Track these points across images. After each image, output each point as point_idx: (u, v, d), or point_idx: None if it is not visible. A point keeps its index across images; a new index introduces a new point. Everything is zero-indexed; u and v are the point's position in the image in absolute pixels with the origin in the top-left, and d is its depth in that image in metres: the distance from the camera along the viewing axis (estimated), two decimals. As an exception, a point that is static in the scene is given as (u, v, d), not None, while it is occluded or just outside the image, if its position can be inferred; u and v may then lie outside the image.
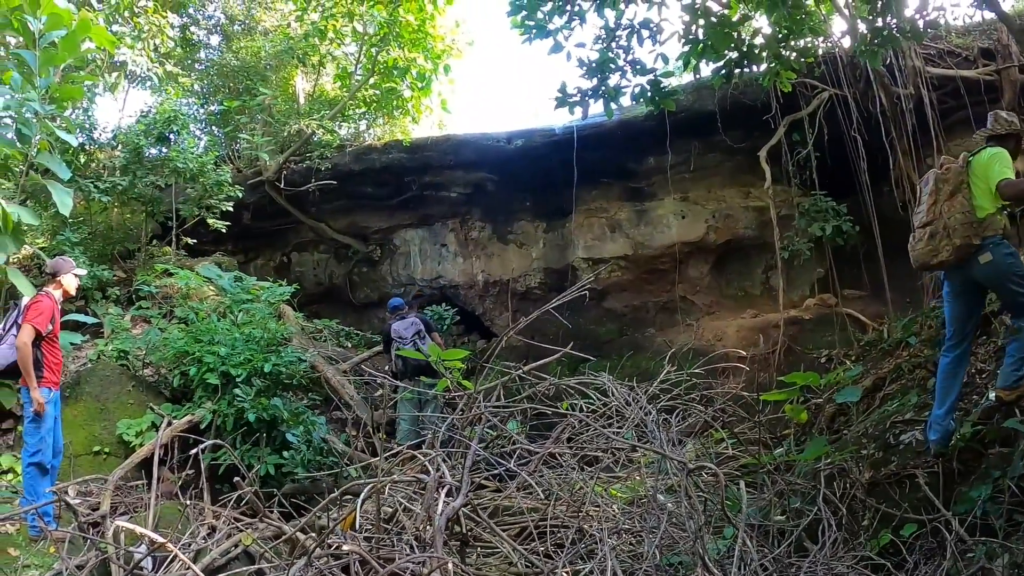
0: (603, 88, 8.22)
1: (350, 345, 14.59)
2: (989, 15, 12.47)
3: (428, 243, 16.41)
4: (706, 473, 5.63)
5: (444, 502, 4.18)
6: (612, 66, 8.18)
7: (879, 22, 7.74)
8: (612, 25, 8.15)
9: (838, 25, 12.98)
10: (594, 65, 8.05)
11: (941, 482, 4.87)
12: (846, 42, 12.90)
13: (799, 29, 8.05)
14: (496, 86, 40.60)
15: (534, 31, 8.16)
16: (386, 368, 11.69)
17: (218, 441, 7.10)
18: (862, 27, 8.30)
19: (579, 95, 8.19)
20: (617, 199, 14.84)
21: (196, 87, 18.49)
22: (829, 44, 13.05)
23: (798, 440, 7.55)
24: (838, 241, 12.03)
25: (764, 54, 8.20)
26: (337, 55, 17.05)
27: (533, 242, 15.54)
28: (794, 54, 8.44)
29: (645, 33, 8.08)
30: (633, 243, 14.60)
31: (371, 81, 16.00)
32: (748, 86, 13.16)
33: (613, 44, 8.21)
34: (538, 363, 6.34)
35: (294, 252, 17.27)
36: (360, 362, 12.98)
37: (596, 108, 8.53)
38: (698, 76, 8.61)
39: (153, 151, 14.36)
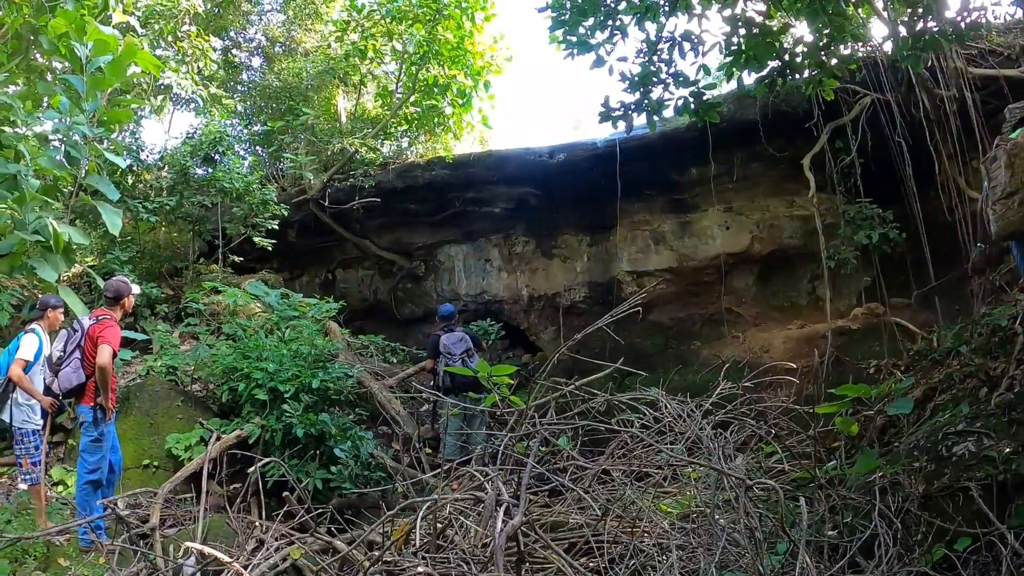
0: (646, 101, 8.25)
1: (395, 361, 14.71)
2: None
3: (472, 258, 16.54)
4: (759, 489, 5.60)
5: (503, 520, 4.21)
6: (655, 79, 8.19)
7: (920, 25, 7.71)
8: (653, 39, 8.17)
9: (877, 29, 12.93)
10: (636, 79, 8.08)
11: (995, 495, 4.82)
12: (887, 47, 12.80)
13: (840, 35, 8.02)
14: (536, 100, 40.80)
15: (576, 47, 8.22)
16: (430, 383, 11.77)
17: (272, 459, 7.19)
18: (902, 31, 8.23)
19: (622, 109, 8.22)
20: (660, 211, 14.84)
21: (239, 108, 18.82)
22: (869, 49, 12.96)
23: (848, 453, 7.48)
24: (885, 249, 11.87)
25: (806, 62, 8.18)
26: (377, 74, 17.38)
27: (577, 256, 15.58)
28: (836, 61, 8.39)
29: (686, 46, 8.09)
30: (677, 255, 14.60)
31: (412, 99, 16.21)
32: (790, 94, 13.07)
33: (655, 57, 8.23)
34: (589, 379, 6.37)
35: (339, 269, 17.48)
36: (406, 377, 13.09)
37: (639, 121, 8.54)
38: (741, 87, 8.58)
39: (199, 171, 14.62)
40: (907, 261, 12.22)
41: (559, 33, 8.30)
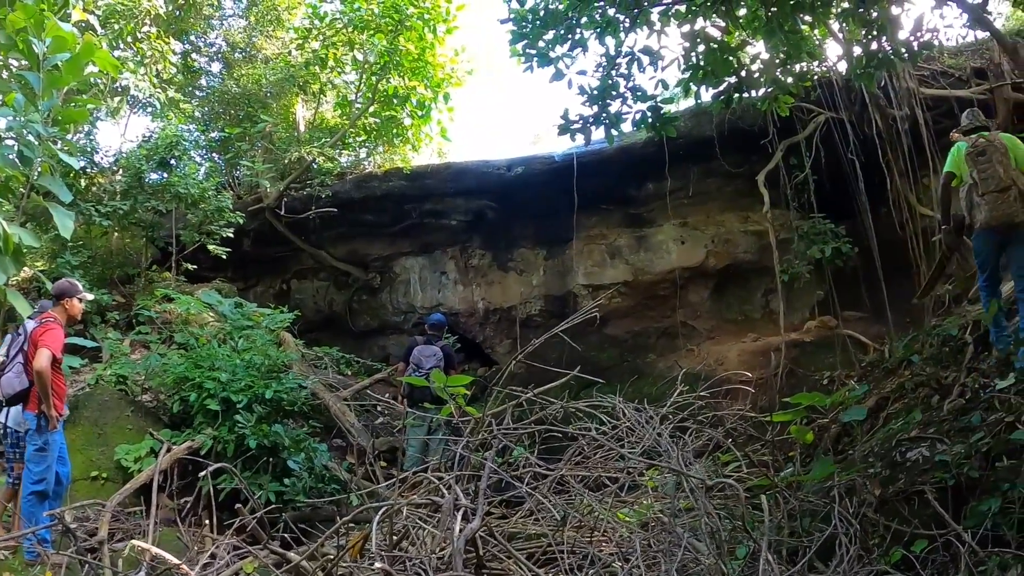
0: (604, 115, 8.30)
1: (350, 373, 14.59)
2: (981, 35, 12.61)
3: (428, 271, 16.48)
4: (721, 491, 5.63)
5: (461, 524, 4.18)
6: (613, 93, 8.26)
7: (874, 45, 7.85)
8: (613, 53, 8.23)
9: (832, 49, 13.18)
10: (595, 92, 8.13)
11: (950, 497, 4.89)
12: (842, 66, 13.04)
13: (796, 53, 8.12)
14: (497, 114, 40.88)
15: (536, 60, 8.26)
16: (385, 394, 11.71)
17: (223, 465, 7.04)
18: (857, 50, 8.38)
19: (581, 122, 8.26)
20: (617, 225, 14.92)
21: (197, 114, 18.64)
22: (825, 68, 13.18)
23: (804, 461, 7.56)
24: (837, 263, 12.07)
25: (762, 79, 8.29)
26: (338, 83, 17.24)
27: (533, 269, 15.60)
28: (791, 79, 8.51)
29: (645, 60, 8.16)
30: (633, 269, 14.66)
31: (371, 109, 16.15)
32: (746, 111, 13.23)
33: (614, 72, 8.29)
34: (546, 387, 6.38)
35: (294, 279, 17.33)
36: (360, 389, 13.00)
37: (598, 135, 8.60)
38: (699, 102, 8.67)
39: (154, 176, 14.42)
40: (859, 275, 12.41)
41: (520, 47, 8.34)
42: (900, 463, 5.68)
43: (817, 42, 13.02)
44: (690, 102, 9.76)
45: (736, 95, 8.25)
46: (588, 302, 14.69)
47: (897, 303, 11.46)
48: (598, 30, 8.10)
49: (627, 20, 7.97)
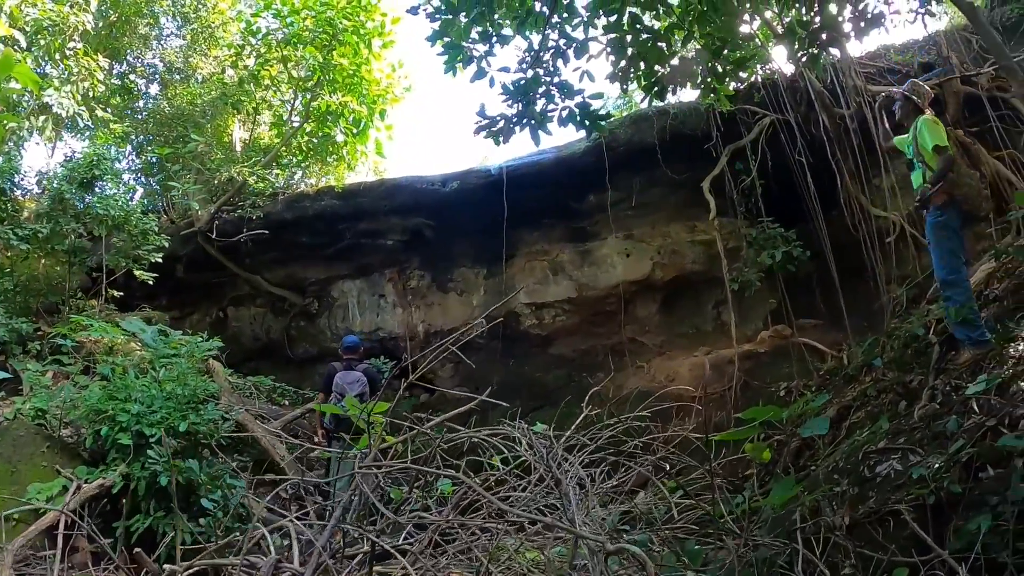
0: (528, 113, 7.56)
1: (286, 403, 13.74)
2: (929, 30, 12.42)
3: (366, 294, 15.68)
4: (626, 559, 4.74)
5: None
6: (538, 90, 7.54)
7: (816, 22, 7.26)
8: (536, 46, 7.54)
9: (778, 54, 12.82)
10: (516, 88, 7.40)
11: (930, 517, 4.19)
12: (788, 69, 12.70)
13: (732, 40, 7.51)
14: (442, 134, 40.26)
15: (459, 59, 7.56)
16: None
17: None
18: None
19: (502, 121, 7.51)
20: (559, 240, 14.29)
21: (133, 136, 17.80)
22: (769, 71, 12.82)
23: (763, 482, 6.87)
24: (789, 268, 11.55)
25: (697, 69, 7.64)
26: (275, 103, 16.61)
27: (474, 289, 14.87)
28: (728, 66, 7.86)
29: (571, 53, 7.48)
30: (577, 285, 14.02)
31: (305, 127, 15.55)
32: (688, 116, 12.87)
33: (538, 68, 7.59)
34: (450, 414, 5.70)
35: (230, 307, 16.45)
36: (292, 420, 12.22)
37: (522, 135, 7.88)
38: (625, 89, 7.96)
39: (79, 198, 13.52)
40: (813, 281, 11.95)
41: (440, 46, 7.64)
42: (870, 479, 4.99)
43: (759, 43, 12.83)
44: (623, 100, 9.17)
45: (670, 86, 7.59)
46: (531, 321, 14.06)
47: (854, 308, 11.03)
48: (518, 20, 7.40)
49: (546, 9, 7.28)
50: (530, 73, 7.55)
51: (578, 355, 14.07)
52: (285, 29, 15.05)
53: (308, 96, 15.23)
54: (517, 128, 7.61)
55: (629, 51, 7.27)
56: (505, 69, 7.61)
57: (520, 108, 7.54)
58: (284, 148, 16.04)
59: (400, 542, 4.92)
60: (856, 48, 13.03)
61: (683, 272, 13.69)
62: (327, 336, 15.87)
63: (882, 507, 4.50)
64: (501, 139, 7.55)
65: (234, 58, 16.13)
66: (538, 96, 7.58)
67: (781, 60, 13.06)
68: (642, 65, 7.48)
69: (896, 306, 10.01)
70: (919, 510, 4.27)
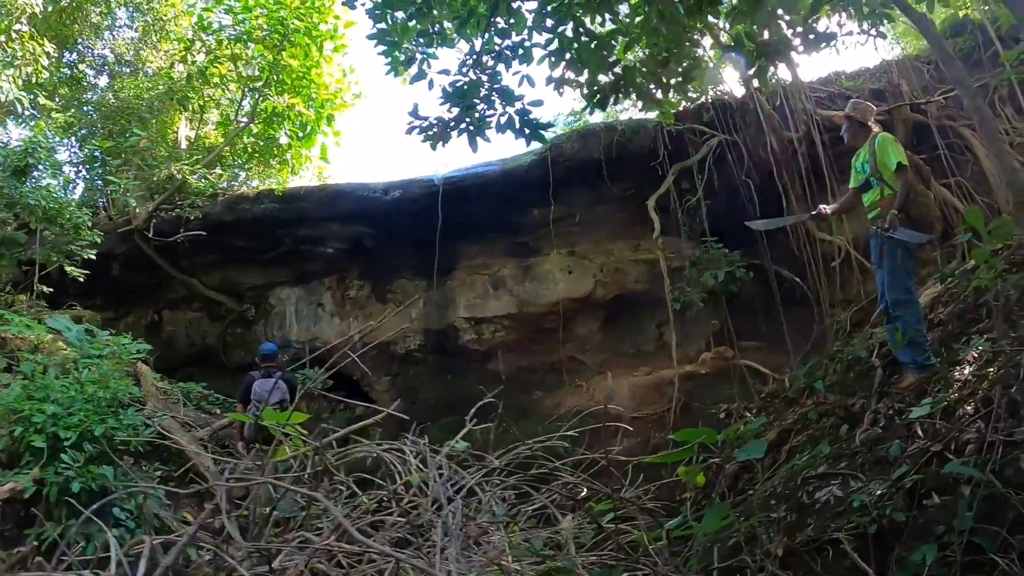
0: (467, 118, 7.23)
1: (218, 411, 13.21)
2: (880, 59, 12.54)
3: (304, 302, 15.23)
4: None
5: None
6: (477, 94, 7.22)
7: (765, 35, 7.07)
8: (477, 49, 7.25)
9: (728, 76, 12.78)
10: (455, 91, 7.08)
11: (871, 546, 3.93)
12: (739, 92, 12.66)
13: (679, 51, 7.29)
14: (394, 145, 39.79)
15: (400, 59, 7.25)
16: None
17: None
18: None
19: (439, 125, 7.18)
20: (501, 255, 14.03)
21: (77, 127, 17.14)
22: (719, 92, 12.77)
23: (700, 506, 6.59)
24: (732, 289, 11.39)
25: (640, 80, 7.40)
26: (223, 103, 16.25)
27: (413, 301, 14.47)
28: (675, 78, 7.64)
29: (515, 58, 7.20)
30: (517, 301, 13.75)
31: (252, 129, 15.16)
32: (635, 133, 12.73)
33: (479, 71, 7.29)
34: (351, 428, 5.37)
35: (166, 310, 15.87)
36: (219, 428, 11.72)
37: (460, 141, 7.52)
38: (560, 92, 7.64)
39: (12, 186, 12.87)
40: (756, 304, 11.80)
41: (382, 47, 7.34)
42: (808, 505, 4.73)
43: (711, 64, 12.75)
44: (565, 112, 8.92)
45: (613, 95, 7.33)
46: (470, 336, 13.74)
47: (797, 331, 10.89)
48: (459, 21, 7.11)
49: (487, 10, 7.00)
50: (471, 76, 7.26)
51: (517, 372, 13.77)
52: (237, 27, 14.64)
53: (256, 96, 14.81)
54: (455, 133, 7.29)
55: (568, 56, 7.01)
56: (446, 72, 7.32)
57: (458, 112, 7.23)
58: (228, 148, 15.61)
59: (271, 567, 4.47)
60: (808, 73, 13.07)
61: (626, 291, 13.50)
62: (263, 343, 15.38)
63: (820, 535, 4.24)
64: (438, 143, 7.23)
65: (183, 53, 15.73)
66: (478, 101, 7.27)
67: (732, 82, 13.08)
68: (585, 73, 7.24)
69: (839, 329, 9.90)
70: (860, 539, 4.02)
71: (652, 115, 13.10)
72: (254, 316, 15.59)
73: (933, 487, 4.08)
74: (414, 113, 7.01)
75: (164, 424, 10.12)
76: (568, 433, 6.15)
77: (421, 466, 5.03)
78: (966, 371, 5.37)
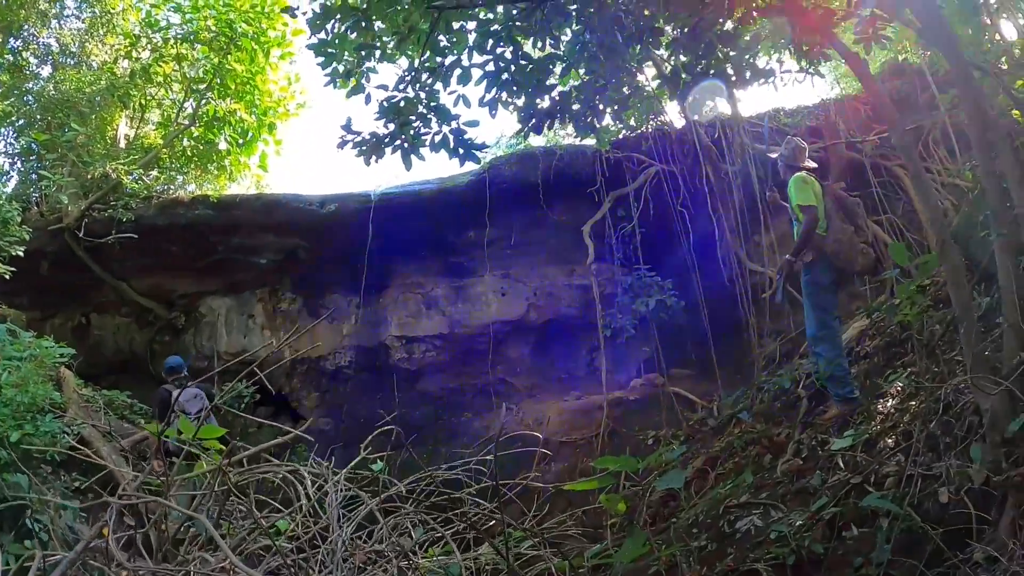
0: (402, 134, 7.13)
1: (142, 422, 12.83)
2: (818, 98, 12.85)
3: (235, 313, 14.80)
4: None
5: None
6: (419, 110, 7.13)
7: (699, 68, 7.11)
8: (416, 66, 7.16)
9: (670, 108, 12.90)
10: (390, 107, 6.98)
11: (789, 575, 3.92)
12: (679, 123, 12.77)
13: (617, 78, 7.30)
14: (338, 160, 39.34)
15: (338, 72, 7.13)
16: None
17: None
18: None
19: (374, 140, 7.07)
20: (435, 274, 13.85)
21: (15, 117, 16.60)
22: (660, 122, 12.87)
23: (623, 534, 6.53)
24: (663, 316, 11.40)
25: (576, 106, 7.38)
26: (165, 103, 15.81)
27: (345, 317, 14.23)
28: (612, 107, 7.64)
29: (454, 76, 7.12)
30: (450, 321, 13.58)
31: (193, 132, 14.78)
32: (574, 158, 12.77)
33: (417, 88, 7.19)
34: (261, 446, 5.22)
35: (95, 313, 15.29)
36: (140, 440, 11.37)
37: (393, 157, 7.41)
38: (493, 114, 7.60)
39: None
40: (687, 333, 11.83)
41: (321, 60, 7.20)
42: (729, 535, 4.71)
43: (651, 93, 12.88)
44: (518, 147, 8.86)
45: (548, 120, 7.30)
46: (401, 355, 13.58)
47: (727, 360, 10.96)
48: (398, 36, 7.01)
49: (428, 26, 6.91)
50: (411, 92, 7.16)
51: (446, 393, 13.61)
52: (185, 26, 14.32)
53: (199, 98, 14.47)
54: (388, 149, 7.18)
55: (506, 77, 6.97)
56: (384, 87, 7.21)
57: (394, 128, 7.13)
58: (167, 151, 15.17)
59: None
60: (748, 108, 13.27)
61: (558, 315, 13.44)
62: (192, 354, 14.87)
63: (740, 565, 4.22)
64: (372, 158, 7.11)
65: (128, 48, 15.31)
66: (414, 118, 7.17)
67: (673, 113, 13.21)
68: (521, 96, 7.21)
69: (767, 360, 9.98)
70: (779, 570, 4.00)
71: (590, 142, 13.28)
72: (184, 325, 15.14)
73: (852, 519, 4.09)
74: (347, 127, 6.87)
75: (85, 433, 9.82)
76: (486, 457, 6.02)
77: (316, 490, 4.86)
78: (888, 404, 5.43)
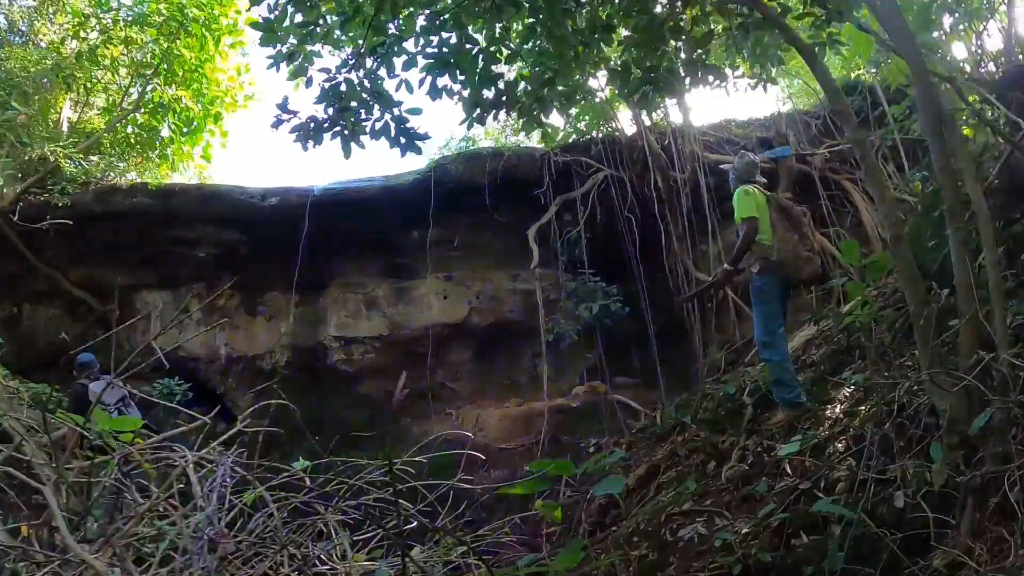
0: (342, 121, 6.78)
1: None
2: (770, 111, 13.12)
3: (171, 307, 14.17)
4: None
5: None
6: (359, 95, 6.80)
7: (650, 63, 6.91)
8: (361, 50, 6.83)
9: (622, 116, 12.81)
10: (334, 89, 6.64)
11: (734, 587, 3.67)
12: (630, 130, 12.65)
13: (567, 71, 7.05)
14: (291, 157, 38.62)
15: (285, 55, 6.77)
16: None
17: None
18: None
19: (312, 125, 6.71)
20: (377, 274, 13.55)
21: None
22: (611, 128, 12.76)
23: (560, 543, 6.26)
24: (606, 323, 11.26)
25: (523, 97, 7.11)
26: (112, 88, 15.27)
27: (283, 316, 13.79)
28: (559, 100, 7.38)
29: (399, 61, 6.81)
30: (390, 323, 13.27)
31: (137, 118, 14.42)
32: (522, 159, 12.58)
33: (360, 73, 6.87)
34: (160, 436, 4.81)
35: (27, 303, 14.57)
36: (63, 436, 10.87)
37: (332, 144, 7.07)
38: (435, 98, 7.26)
39: None
40: (632, 340, 11.68)
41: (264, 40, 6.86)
42: (671, 543, 4.46)
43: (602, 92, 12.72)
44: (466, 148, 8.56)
45: (493, 110, 7.01)
46: (339, 356, 13.20)
47: (672, 368, 10.83)
48: (343, 17, 6.69)
49: (373, 8, 6.59)
50: (353, 76, 6.84)
51: (385, 396, 13.26)
52: (135, 8, 13.95)
53: (145, 83, 14.08)
54: (328, 136, 6.83)
55: (452, 61, 6.68)
56: (327, 70, 6.88)
57: (333, 113, 6.79)
58: (108, 136, 14.70)
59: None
60: (699, 117, 13.26)
61: (501, 319, 13.25)
62: (125, 349, 14.21)
63: (683, 574, 3.97)
64: (309, 143, 6.75)
65: (76, 28, 14.71)
66: (355, 103, 6.84)
67: (624, 120, 13.09)
68: (468, 90, 6.92)
69: (712, 368, 9.84)
70: (723, 580, 3.76)
71: (539, 144, 13.07)
72: (118, 319, 14.57)
73: (802, 526, 3.86)
74: (283, 106, 6.50)
75: (6, 426, 9.36)
76: (415, 459, 5.69)
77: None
78: (837, 409, 5.24)
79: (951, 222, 4.07)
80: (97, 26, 14.40)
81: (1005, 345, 3.73)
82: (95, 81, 14.88)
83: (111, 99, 15.45)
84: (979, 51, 8.53)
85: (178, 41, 13.71)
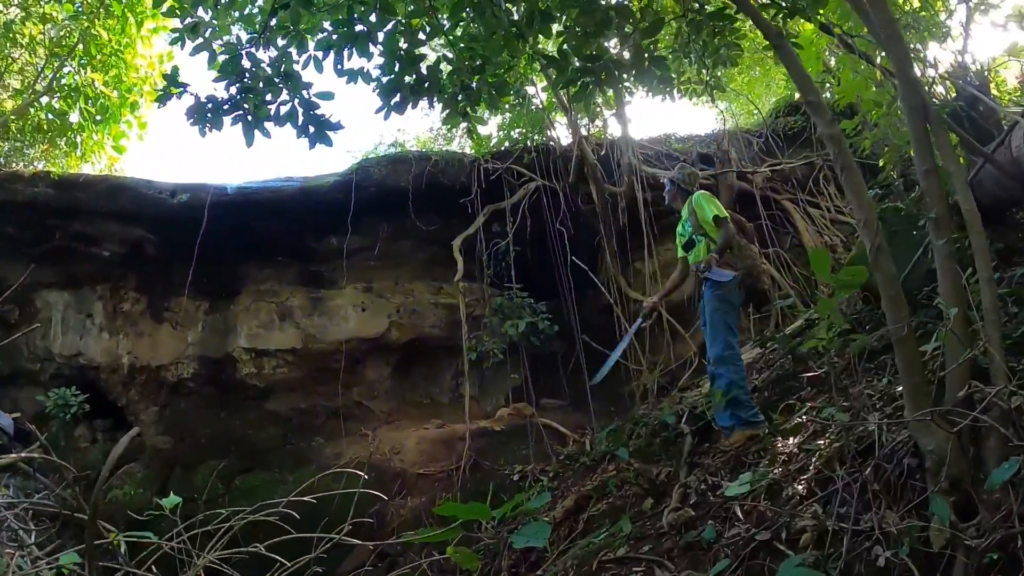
0: (245, 103, 6.00)
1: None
2: (712, 127, 12.75)
3: (72, 310, 13.09)
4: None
5: None
6: (264, 74, 6.03)
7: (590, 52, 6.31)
8: (272, 23, 6.08)
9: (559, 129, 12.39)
10: (233, 62, 5.85)
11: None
12: (566, 140, 12.24)
13: (493, 61, 6.41)
14: (216, 155, 37.34)
15: (189, 30, 6.00)
16: None
17: None
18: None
19: (210, 105, 5.91)
20: (292, 282, 12.70)
21: None
22: (546, 137, 12.31)
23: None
24: (533, 341, 10.69)
25: (447, 84, 6.43)
26: (28, 69, 14.29)
27: (192, 323, 12.78)
28: (489, 90, 6.73)
29: (311, 41, 6.06)
30: (304, 335, 12.43)
31: (53, 103, 13.55)
32: (449, 165, 12.01)
33: (267, 53, 6.10)
34: None
35: None
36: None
37: (233, 128, 6.28)
38: (352, 82, 6.53)
39: None
40: (559, 360, 11.14)
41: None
42: (603, 595, 3.82)
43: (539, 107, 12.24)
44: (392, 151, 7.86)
45: (414, 98, 6.30)
46: (250, 369, 12.36)
47: (602, 391, 10.25)
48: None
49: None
50: (260, 54, 6.07)
51: (296, 414, 12.40)
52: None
53: (61, 65, 13.20)
54: (228, 119, 6.04)
55: (359, 28, 5.94)
56: (231, 45, 6.11)
57: (235, 93, 6.00)
58: (17, 120, 13.71)
59: None
60: (638, 130, 12.98)
61: (422, 335, 12.57)
62: (23, 354, 13.08)
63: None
64: (207, 127, 5.97)
65: None
66: (261, 84, 6.06)
67: (560, 129, 12.66)
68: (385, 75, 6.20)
69: (644, 392, 9.35)
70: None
71: (470, 151, 12.49)
72: (16, 320, 13.39)
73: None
74: (171, 78, 5.71)
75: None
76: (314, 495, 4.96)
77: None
78: (791, 442, 4.66)
79: (938, 233, 3.50)
80: (17, 1, 13.42)
81: (1003, 374, 3.17)
82: (11, 61, 13.91)
83: (26, 81, 14.47)
84: (933, 74, 8.20)
85: (97, 21, 12.82)
